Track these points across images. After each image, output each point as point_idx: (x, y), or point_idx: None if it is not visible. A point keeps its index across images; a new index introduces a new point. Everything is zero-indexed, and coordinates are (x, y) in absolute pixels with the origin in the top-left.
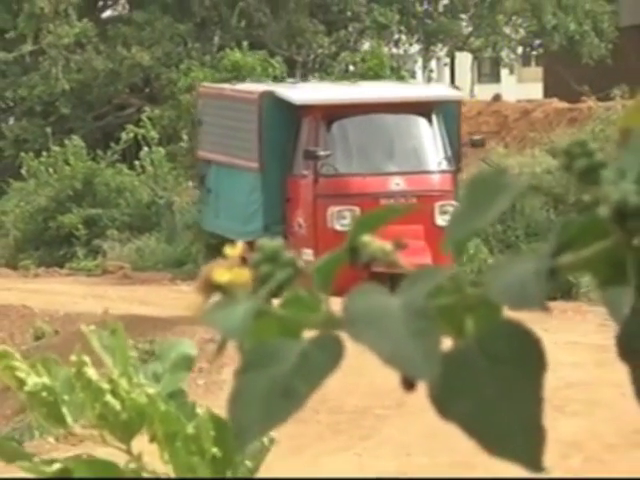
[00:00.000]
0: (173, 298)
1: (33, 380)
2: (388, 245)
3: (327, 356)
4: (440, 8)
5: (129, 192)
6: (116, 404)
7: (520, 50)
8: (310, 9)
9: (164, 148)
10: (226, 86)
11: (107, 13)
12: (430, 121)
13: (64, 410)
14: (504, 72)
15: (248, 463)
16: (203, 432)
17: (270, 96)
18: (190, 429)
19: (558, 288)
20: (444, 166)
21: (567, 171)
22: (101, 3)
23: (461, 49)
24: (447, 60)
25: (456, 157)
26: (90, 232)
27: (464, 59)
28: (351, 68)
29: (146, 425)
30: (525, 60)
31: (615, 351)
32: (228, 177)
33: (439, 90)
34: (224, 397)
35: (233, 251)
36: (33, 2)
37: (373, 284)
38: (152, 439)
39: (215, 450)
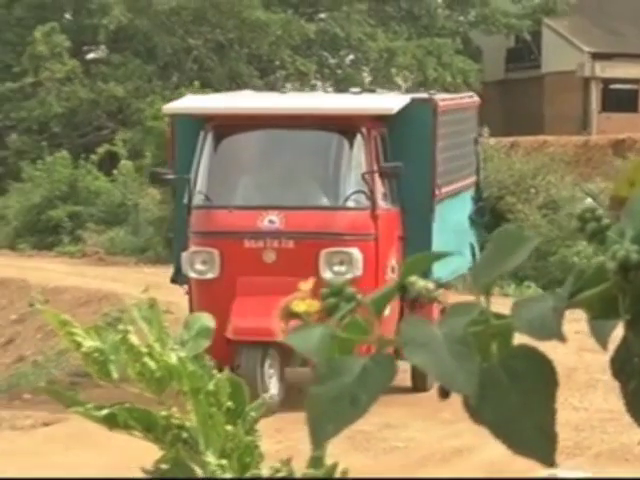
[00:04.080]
0: (136, 277)
1: (88, 343)
2: (431, 284)
3: (383, 371)
4: (347, 62)
5: (104, 194)
6: (152, 364)
7: None
8: (247, 58)
9: (132, 161)
10: None
11: (91, 55)
12: (351, 141)
13: (111, 367)
14: None
15: (253, 414)
16: (221, 389)
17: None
18: (211, 386)
19: None
20: (353, 202)
21: (580, 232)
22: (86, 47)
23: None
24: None
25: (430, 189)
26: (73, 224)
27: None
28: None
29: (174, 381)
30: None
31: None
32: None
33: (371, 101)
34: None
35: (306, 286)
36: (35, 45)
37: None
38: (179, 393)
39: (230, 403)
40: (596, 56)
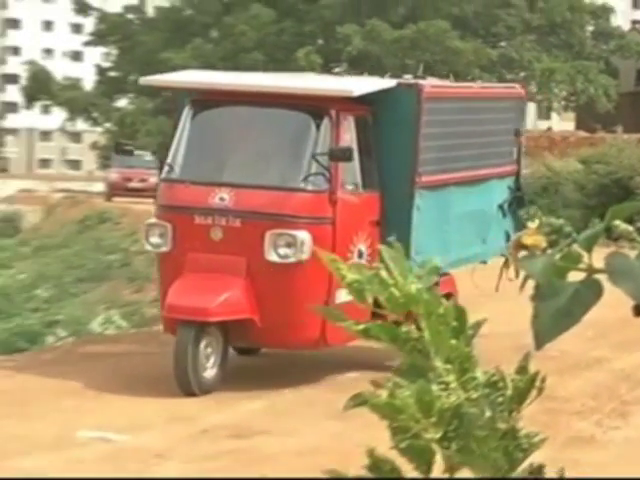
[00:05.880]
0: None
1: (350, 276)
2: (631, 227)
3: (592, 292)
4: (520, 77)
5: None
6: (397, 292)
7: (563, 102)
8: (447, 75)
9: None
10: None
11: (336, 70)
12: (317, 123)
13: (366, 294)
14: (553, 114)
15: (471, 332)
16: (449, 312)
17: None
18: (441, 310)
19: None
20: (310, 184)
21: None
22: (332, 64)
23: (530, 100)
24: None
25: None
26: None
27: (531, 106)
28: None
29: (413, 306)
30: (565, 107)
31: None
32: None
33: (337, 84)
34: None
35: (534, 224)
36: (297, 62)
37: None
38: (410, 316)
39: (454, 323)
40: None
